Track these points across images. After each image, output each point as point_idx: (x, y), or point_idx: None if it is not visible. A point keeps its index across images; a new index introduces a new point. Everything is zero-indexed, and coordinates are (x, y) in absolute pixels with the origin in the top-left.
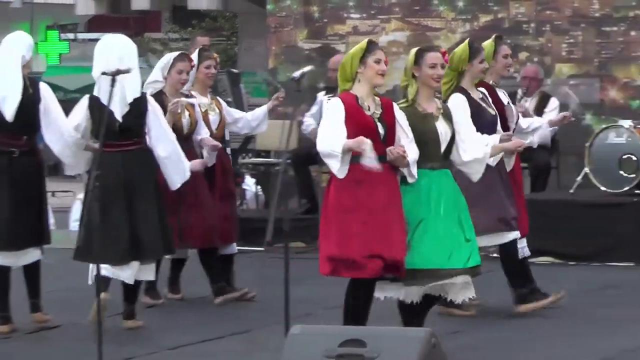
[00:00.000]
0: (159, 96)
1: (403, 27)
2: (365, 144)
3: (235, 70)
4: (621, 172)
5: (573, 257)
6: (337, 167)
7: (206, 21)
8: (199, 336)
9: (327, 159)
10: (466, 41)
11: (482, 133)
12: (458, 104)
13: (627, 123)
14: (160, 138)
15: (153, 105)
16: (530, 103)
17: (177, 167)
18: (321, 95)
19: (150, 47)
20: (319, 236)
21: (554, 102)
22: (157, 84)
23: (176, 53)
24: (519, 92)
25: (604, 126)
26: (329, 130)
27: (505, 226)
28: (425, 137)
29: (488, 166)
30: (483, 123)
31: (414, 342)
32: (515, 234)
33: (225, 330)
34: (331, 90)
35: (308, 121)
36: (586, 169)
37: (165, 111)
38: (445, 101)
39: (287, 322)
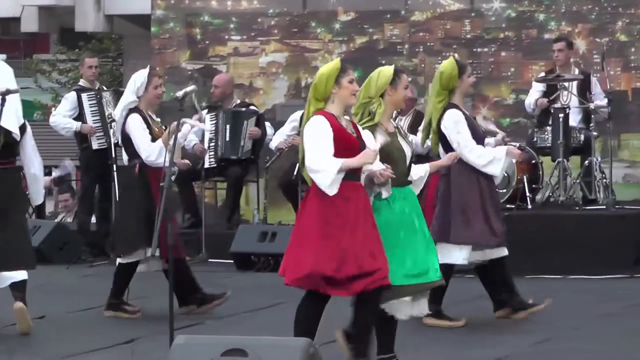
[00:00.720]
0: (138, 112)
1: (282, 49)
2: (371, 158)
3: None
4: None
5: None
6: (328, 184)
7: (93, 43)
8: (86, 346)
9: (316, 174)
10: (451, 58)
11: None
12: (457, 119)
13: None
14: (33, 158)
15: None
16: (404, 122)
17: (40, 187)
18: (204, 114)
19: (40, 68)
20: (291, 247)
21: None
22: (132, 103)
23: (145, 71)
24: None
25: None
26: (319, 146)
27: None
28: (393, 155)
29: (486, 180)
30: (477, 136)
31: (294, 351)
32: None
33: (111, 341)
34: (213, 109)
35: (191, 138)
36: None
37: (149, 126)
38: (440, 119)
39: (171, 332)
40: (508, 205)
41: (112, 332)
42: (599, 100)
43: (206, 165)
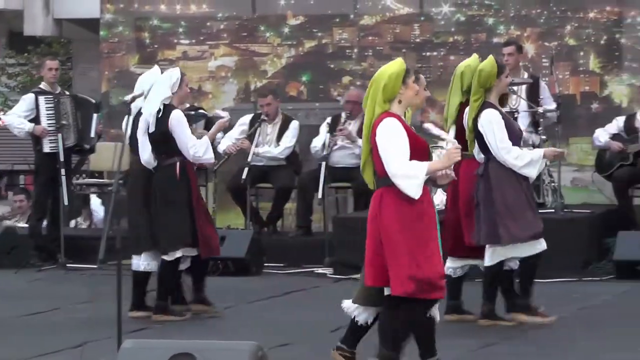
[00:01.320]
0: (172, 108)
1: (231, 53)
2: (457, 158)
3: (92, 100)
4: (442, 191)
5: None
6: (416, 189)
7: (42, 47)
8: (34, 351)
9: (406, 180)
10: (491, 57)
11: (513, 145)
12: (493, 119)
13: (448, 144)
14: None
15: None
16: (353, 126)
17: None
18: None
19: None
20: (379, 256)
21: None
22: (168, 99)
23: (177, 69)
24: (343, 115)
25: None
26: (401, 151)
27: (537, 237)
28: None
29: (523, 178)
30: (513, 136)
31: (242, 354)
32: (544, 245)
33: (60, 345)
34: None
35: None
36: None
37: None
38: (476, 118)
39: (119, 336)
40: None
41: (60, 337)
42: (548, 104)
43: None
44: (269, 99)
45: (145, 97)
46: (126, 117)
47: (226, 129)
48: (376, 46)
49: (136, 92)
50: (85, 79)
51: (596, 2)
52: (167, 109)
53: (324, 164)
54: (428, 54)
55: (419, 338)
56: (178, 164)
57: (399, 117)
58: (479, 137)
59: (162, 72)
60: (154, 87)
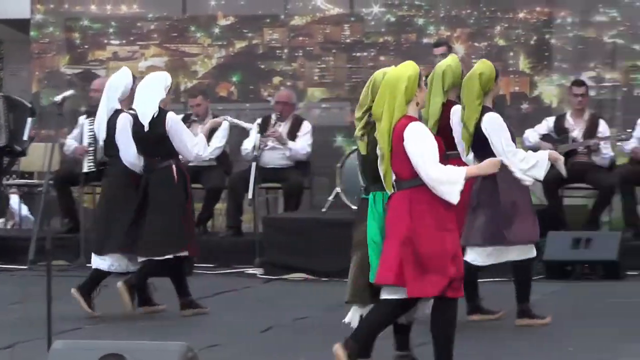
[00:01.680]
0: (164, 110)
1: (161, 53)
2: (496, 167)
3: (28, 104)
4: None
5: (326, 274)
6: (457, 195)
7: None
8: None
9: (449, 186)
10: (488, 61)
11: None
12: (499, 122)
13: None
14: None
15: None
16: (283, 127)
17: None
18: (82, 119)
19: None
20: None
21: (306, 126)
22: (162, 102)
23: (166, 73)
24: (273, 116)
25: (354, 147)
26: (436, 156)
27: (534, 241)
28: None
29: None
30: (512, 139)
31: (172, 355)
32: (535, 252)
33: None
34: (91, 114)
35: (69, 142)
36: (337, 189)
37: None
38: (479, 121)
39: (49, 337)
40: None
41: None
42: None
43: (85, 170)
44: (199, 99)
45: (122, 100)
46: (82, 119)
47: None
48: (306, 47)
49: (66, 93)
50: (16, 79)
51: (526, 3)
52: (160, 111)
53: (254, 164)
54: (358, 54)
55: (450, 339)
56: (174, 166)
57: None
58: (478, 139)
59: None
60: (147, 89)
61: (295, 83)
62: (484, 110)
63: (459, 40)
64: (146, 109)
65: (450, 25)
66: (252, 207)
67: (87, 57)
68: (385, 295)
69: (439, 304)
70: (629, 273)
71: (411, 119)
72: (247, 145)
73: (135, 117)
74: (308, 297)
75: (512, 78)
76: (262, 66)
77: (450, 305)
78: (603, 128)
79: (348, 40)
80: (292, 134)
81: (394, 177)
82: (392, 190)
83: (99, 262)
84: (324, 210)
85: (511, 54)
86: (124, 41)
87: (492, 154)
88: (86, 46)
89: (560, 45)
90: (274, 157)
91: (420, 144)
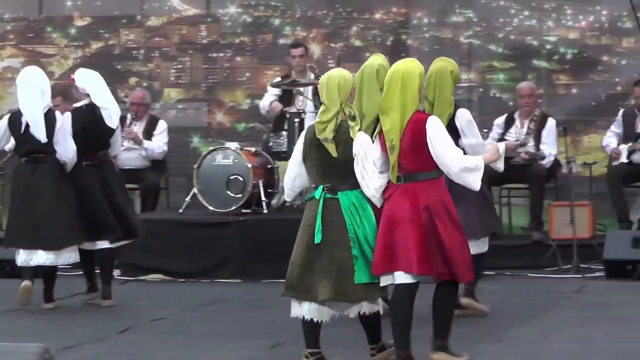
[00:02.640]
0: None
1: (18, 54)
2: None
3: None
4: (228, 192)
5: (183, 274)
6: (480, 181)
7: None
8: None
9: (475, 173)
10: (449, 59)
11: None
12: (471, 117)
13: (233, 145)
14: None
15: None
16: (139, 127)
17: None
18: None
19: None
20: (457, 246)
21: (162, 125)
22: None
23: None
24: (129, 116)
25: (211, 148)
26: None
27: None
28: None
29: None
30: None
31: (28, 357)
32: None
33: None
34: None
35: None
36: (195, 190)
37: None
38: (452, 118)
39: None
40: (244, 210)
41: None
42: None
43: None
44: (58, 100)
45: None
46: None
47: None
48: (163, 47)
49: None
50: None
51: (382, 3)
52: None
53: None
54: (215, 55)
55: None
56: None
57: None
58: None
59: None
60: (102, 87)
61: (151, 84)
62: (455, 106)
63: (315, 41)
64: (109, 104)
65: (306, 26)
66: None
67: None
68: (410, 279)
69: (448, 286)
70: (485, 272)
71: (425, 113)
72: None
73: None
74: (165, 298)
75: None
76: (119, 67)
77: (457, 288)
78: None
79: (204, 41)
80: (148, 134)
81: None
82: (399, 182)
83: (44, 258)
84: (181, 211)
85: (367, 54)
86: None
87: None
88: None
89: (416, 46)
90: (130, 158)
91: (445, 137)
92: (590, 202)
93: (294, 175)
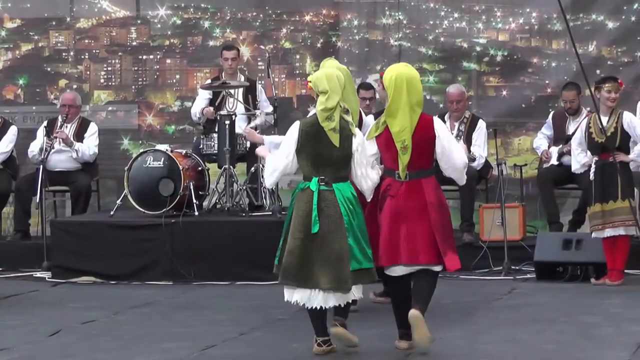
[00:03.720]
0: None
1: None
2: None
3: None
4: (159, 194)
5: (114, 277)
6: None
7: None
8: None
9: (464, 171)
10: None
11: None
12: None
13: (164, 147)
14: None
15: None
16: (70, 129)
17: None
18: None
19: None
20: (448, 237)
21: (93, 127)
22: None
23: None
24: (59, 118)
25: (142, 150)
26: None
27: None
28: None
29: None
30: None
31: None
32: None
33: None
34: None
35: None
36: (126, 192)
37: None
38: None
39: None
40: (175, 212)
41: None
42: (265, 107)
43: None
44: None
45: None
46: None
47: None
48: (92, 49)
49: None
50: None
51: (312, 5)
52: None
53: (41, 167)
54: (144, 57)
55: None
56: None
57: None
58: None
59: None
60: None
61: (81, 86)
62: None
63: (245, 43)
64: None
65: (236, 28)
66: (39, 210)
67: None
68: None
69: (430, 271)
70: None
71: (428, 115)
72: (34, 148)
73: None
74: (96, 300)
75: (298, 81)
76: (49, 69)
77: (437, 275)
78: None
79: (134, 43)
80: (79, 136)
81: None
82: (404, 180)
83: None
84: (112, 213)
85: (297, 56)
86: None
87: None
88: None
89: (346, 48)
90: (61, 160)
91: (451, 135)
92: (521, 204)
93: (283, 166)
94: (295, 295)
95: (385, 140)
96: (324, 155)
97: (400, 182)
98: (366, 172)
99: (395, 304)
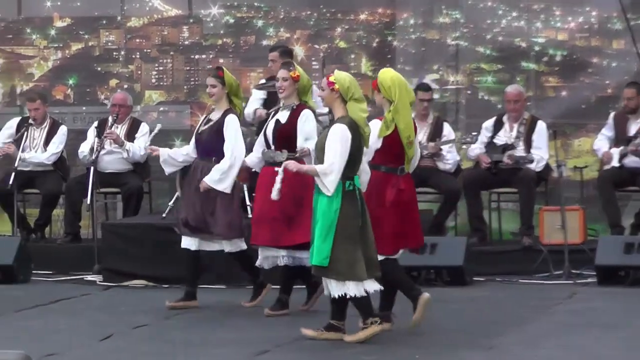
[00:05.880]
0: None
1: None
2: None
3: None
4: None
5: (166, 280)
6: None
7: None
8: None
9: None
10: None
11: None
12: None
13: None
14: None
15: None
16: (121, 129)
17: None
18: None
19: None
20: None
21: (144, 127)
22: None
23: None
24: (110, 118)
25: None
26: None
27: None
28: None
29: None
30: None
31: None
32: None
33: None
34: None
35: None
36: (178, 194)
37: None
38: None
39: None
40: None
41: None
42: (320, 107)
43: None
44: (38, 103)
45: None
46: None
47: None
48: (143, 48)
49: None
50: None
51: (368, 4)
52: None
53: (92, 168)
54: (197, 56)
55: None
56: None
57: None
58: None
59: None
60: None
61: (132, 86)
62: None
63: (299, 42)
64: None
65: (289, 27)
66: (90, 213)
67: None
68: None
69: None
70: (475, 279)
71: None
72: (84, 148)
73: None
74: (148, 304)
75: None
76: (99, 68)
77: None
78: (447, 131)
79: (186, 42)
80: (130, 136)
81: None
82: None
83: None
84: (164, 215)
85: (352, 56)
86: None
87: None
88: None
89: (402, 47)
90: (111, 161)
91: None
92: (581, 207)
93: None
94: (369, 285)
95: (393, 137)
96: (360, 155)
97: (401, 176)
98: (364, 167)
99: (395, 284)
